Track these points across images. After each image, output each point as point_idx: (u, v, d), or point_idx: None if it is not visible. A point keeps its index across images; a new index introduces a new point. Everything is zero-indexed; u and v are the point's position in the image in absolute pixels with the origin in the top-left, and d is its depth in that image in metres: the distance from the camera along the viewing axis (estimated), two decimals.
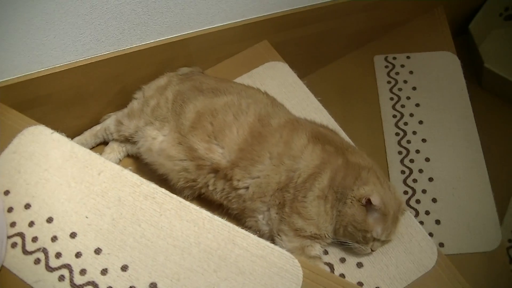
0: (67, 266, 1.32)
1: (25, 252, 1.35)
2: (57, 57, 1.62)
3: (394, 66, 2.29)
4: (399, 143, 2.05)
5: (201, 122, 1.56)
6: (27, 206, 1.41)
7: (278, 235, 1.48)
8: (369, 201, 1.41)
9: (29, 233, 1.38)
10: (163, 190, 1.41)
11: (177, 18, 1.77)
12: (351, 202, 1.44)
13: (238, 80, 1.92)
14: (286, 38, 2.09)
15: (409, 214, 1.59)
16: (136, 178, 1.43)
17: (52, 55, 1.60)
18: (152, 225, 1.35)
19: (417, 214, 1.84)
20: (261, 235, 1.50)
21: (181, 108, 1.61)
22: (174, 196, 1.40)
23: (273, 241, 1.48)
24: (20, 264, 1.34)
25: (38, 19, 1.50)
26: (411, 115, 2.13)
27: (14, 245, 1.37)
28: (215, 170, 1.53)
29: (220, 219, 1.36)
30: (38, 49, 1.56)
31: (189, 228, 1.34)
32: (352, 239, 1.46)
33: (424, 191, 1.91)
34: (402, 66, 2.29)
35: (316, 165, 1.48)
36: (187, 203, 1.39)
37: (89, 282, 1.29)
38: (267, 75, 1.96)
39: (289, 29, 2.07)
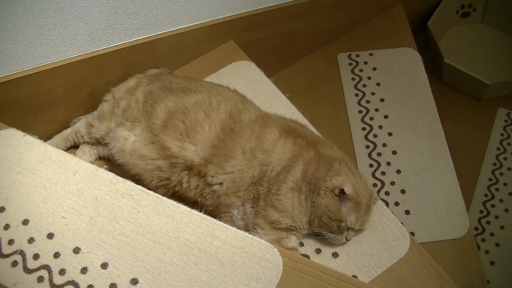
0: (46, 267, 1.30)
1: (1, 255, 1.33)
2: (26, 61, 1.61)
3: (357, 63, 2.33)
4: (366, 137, 2.09)
5: (172, 121, 1.57)
6: (1, 209, 1.39)
7: (254, 229, 1.50)
8: (342, 191, 1.44)
9: (5, 236, 1.36)
10: (139, 187, 1.41)
11: (145, 20, 1.78)
12: (325, 193, 1.47)
13: (206, 80, 1.93)
14: (252, 38, 2.12)
15: (380, 203, 1.62)
16: (112, 177, 1.43)
17: (20, 59, 1.59)
18: (130, 222, 1.35)
19: (387, 205, 1.87)
20: None
21: (152, 108, 1.62)
22: (151, 192, 1.40)
23: None
24: None
25: (6, 22, 1.49)
26: (377, 110, 2.17)
27: None
28: (189, 168, 1.54)
29: (198, 212, 1.37)
30: (6, 52, 1.55)
31: (167, 223, 1.35)
32: (327, 229, 1.49)
33: (392, 183, 1.96)
34: (366, 63, 2.33)
35: (289, 158, 1.50)
36: (164, 198, 1.39)
37: (69, 281, 1.28)
38: (234, 74, 1.97)
39: (254, 29, 2.09)
